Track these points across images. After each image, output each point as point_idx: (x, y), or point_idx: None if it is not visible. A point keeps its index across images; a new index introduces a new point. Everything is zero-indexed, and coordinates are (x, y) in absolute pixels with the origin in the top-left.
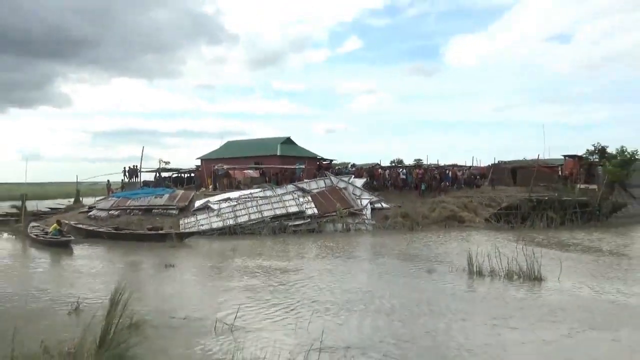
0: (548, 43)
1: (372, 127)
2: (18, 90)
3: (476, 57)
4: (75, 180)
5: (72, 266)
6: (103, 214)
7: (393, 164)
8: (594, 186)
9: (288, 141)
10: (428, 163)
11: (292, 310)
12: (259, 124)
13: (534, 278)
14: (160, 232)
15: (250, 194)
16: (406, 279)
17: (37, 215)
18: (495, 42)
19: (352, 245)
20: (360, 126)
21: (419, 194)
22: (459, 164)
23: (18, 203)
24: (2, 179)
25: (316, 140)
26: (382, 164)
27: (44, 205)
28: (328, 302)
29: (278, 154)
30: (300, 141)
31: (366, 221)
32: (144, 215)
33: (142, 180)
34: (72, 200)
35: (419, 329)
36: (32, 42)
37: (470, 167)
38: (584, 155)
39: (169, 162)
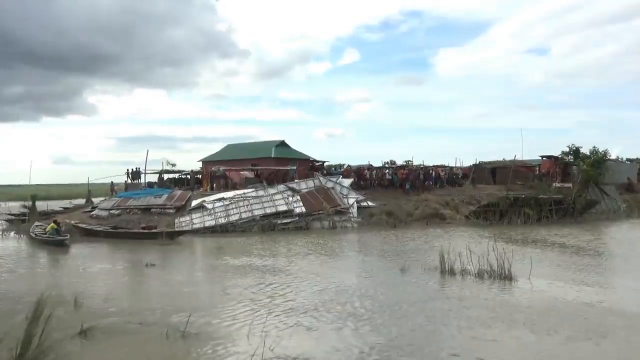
0: (527, 55)
1: (367, 131)
2: (50, 101)
3: (462, 68)
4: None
5: (58, 265)
6: (104, 213)
7: (386, 165)
8: (569, 184)
9: (282, 144)
10: (416, 164)
11: (255, 313)
12: (266, 130)
13: (504, 277)
14: (153, 230)
15: (244, 193)
16: (380, 278)
17: (48, 215)
18: (479, 55)
19: (336, 242)
20: (356, 131)
21: (403, 193)
22: (446, 164)
23: (31, 203)
24: (35, 181)
25: (317, 144)
26: (375, 165)
27: (59, 204)
28: (299, 304)
29: (272, 156)
30: (303, 145)
31: (352, 219)
32: (142, 215)
33: (146, 181)
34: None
35: (383, 336)
36: (62, 58)
37: (452, 167)
38: (560, 156)
39: (175, 165)
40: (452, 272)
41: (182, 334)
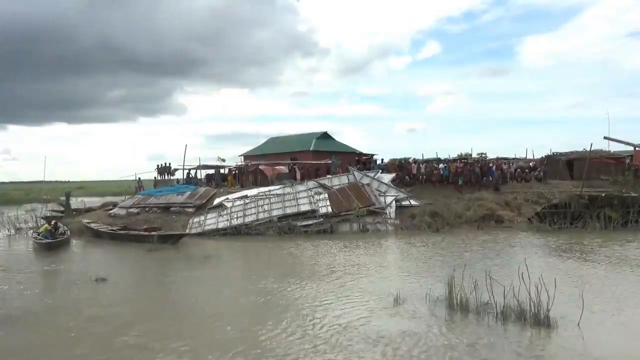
0: (626, 39)
1: (448, 125)
2: (145, 103)
3: (551, 55)
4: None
5: (16, 276)
6: (122, 212)
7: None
8: None
9: (324, 136)
10: (491, 157)
11: None
12: (345, 125)
13: (539, 323)
14: (145, 233)
15: (269, 191)
16: (361, 312)
17: (82, 212)
18: (571, 41)
19: (351, 253)
20: (438, 125)
21: (456, 190)
22: (513, 157)
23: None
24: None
25: (397, 139)
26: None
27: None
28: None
29: (311, 149)
30: (382, 140)
31: (388, 221)
32: (162, 214)
33: (184, 177)
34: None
35: None
36: (160, 63)
37: (514, 160)
38: None
39: (225, 160)
40: (464, 308)
41: None
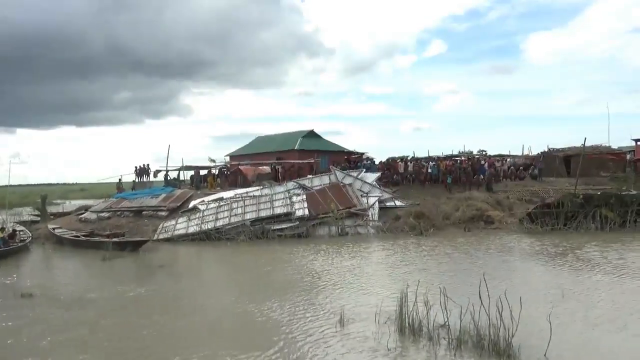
0: (633, 35)
1: (454, 123)
2: (151, 104)
3: (556, 53)
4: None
5: None
6: (93, 216)
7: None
8: None
9: (310, 134)
10: (492, 154)
11: None
12: (352, 124)
13: (498, 352)
14: (109, 239)
15: (246, 192)
16: (299, 336)
17: (61, 215)
18: (577, 37)
19: (318, 259)
20: (445, 123)
21: (445, 189)
22: (507, 153)
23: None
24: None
25: (404, 138)
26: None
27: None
28: None
29: (296, 148)
30: (389, 138)
31: (370, 223)
32: (134, 218)
33: (168, 179)
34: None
35: None
36: (166, 65)
37: (508, 157)
38: None
39: (215, 160)
40: (417, 332)
41: None
